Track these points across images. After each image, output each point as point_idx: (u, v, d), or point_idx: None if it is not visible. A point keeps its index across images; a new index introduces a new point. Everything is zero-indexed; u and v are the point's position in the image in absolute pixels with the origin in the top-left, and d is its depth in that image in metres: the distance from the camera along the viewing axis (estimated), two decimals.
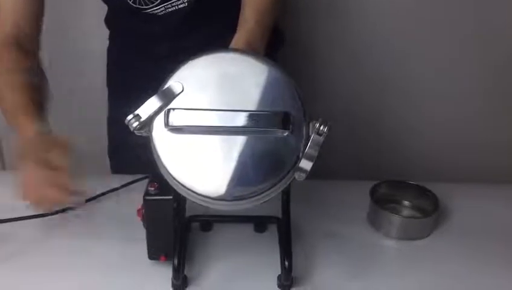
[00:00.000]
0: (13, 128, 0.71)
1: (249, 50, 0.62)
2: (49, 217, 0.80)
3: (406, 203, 0.86)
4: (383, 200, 0.82)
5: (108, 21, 0.97)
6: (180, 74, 0.55)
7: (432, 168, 1.22)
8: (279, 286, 0.69)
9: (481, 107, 1.33)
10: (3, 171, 1.31)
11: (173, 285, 0.68)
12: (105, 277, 0.70)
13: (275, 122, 0.53)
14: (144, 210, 0.67)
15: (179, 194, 0.57)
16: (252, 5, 0.71)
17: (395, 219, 0.79)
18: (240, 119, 0.53)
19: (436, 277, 0.72)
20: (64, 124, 1.33)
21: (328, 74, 1.32)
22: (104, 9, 0.93)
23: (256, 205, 0.56)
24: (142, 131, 0.55)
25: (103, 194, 0.85)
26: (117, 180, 0.86)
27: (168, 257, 0.69)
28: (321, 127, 0.53)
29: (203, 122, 0.53)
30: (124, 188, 0.85)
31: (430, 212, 0.81)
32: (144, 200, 0.66)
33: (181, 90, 0.55)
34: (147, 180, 0.68)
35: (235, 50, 0.61)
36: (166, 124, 0.53)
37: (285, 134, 0.53)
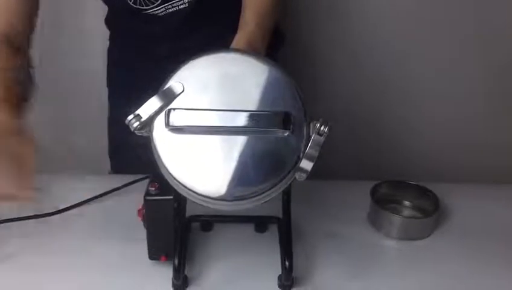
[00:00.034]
0: None
1: (250, 50, 0.62)
2: (50, 217, 0.80)
3: (407, 203, 0.86)
4: (383, 200, 0.82)
5: (109, 21, 0.97)
6: (180, 74, 0.55)
7: (432, 168, 1.22)
8: (279, 286, 0.69)
9: (481, 108, 1.33)
10: None
11: (174, 285, 0.68)
12: (105, 277, 0.70)
13: (275, 123, 0.53)
14: (144, 210, 0.67)
15: (180, 194, 0.57)
16: (253, 7, 0.71)
17: (396, 219, 0.79)
18: (241, 120, 0.53)
19: (437, 277, 0.72)
20: (64, 124, 1.34)
21: (329, 74, 1.32)
22: (104, 9, 0.93)
23: (256, 205, 0.56)
24: (142, 131, 0.55)
25: (103, 194, 0.85)
26: (117, 180, 0.86)
27: (168, 257, 0.69)
28: (322, 128, 0.53)
29: (204, 122, 0.53)
30: (125, 188, 0.85)
31: (431, 212, 0.81)
32: (145, 200, 0.66)
33: (182, 90, 0.55)
34: (147, 181, 0.68)
35: (236, 50, 0.61)
36: (167, 124, 0.53)
37: (286, 134, 0.53)
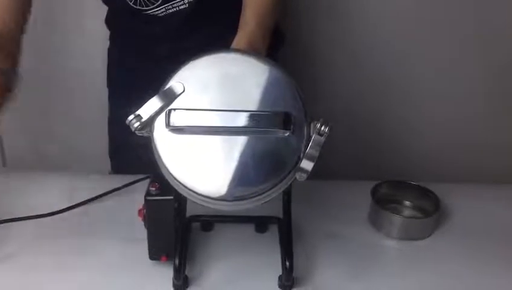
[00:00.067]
0: None
1: (250, 50, 0.62)
2: (50, 217, 0.80)
3: (407, 203, 0.86)
4: (384, 201, 0.82)
5: (109, 22, 0.97)
6: (181, 74, 0.55)
7: (432, 168, 1.22)
8: (280, 287, 0.69)
9: (482, 108, 1.33)
10: (4, 172, 1.31)
11: (174, 285, 0.68)
12: (106, 277, 0.70)
13: (275, 123, 0.53)
14: (145, 210, 0.67)
15: (180, 195, 0.57)
16: (253, 7, 0.71)
17: (396, 219, 0.79)
18: (241, 120, 0.53)
19: (437, 277, 0.72)
20: (64, 124, 1.34)
21: (329, 74, 1.32)
22: (104, 9, 0.93)
23: (257, 205, 0.56)
24: (143, 131, 0.55)
25: (104, 194, 0.85)
26: (118, 181, 0.86)
27: (169, 257, 0.69)
28: (322, 128, 0.54)
29: (204, 122, 0.53)
30: (125, 189, 0.85)
31: (431, 212, 0.81)
32: (145, 200, 0.66)
33: (182, 90, 0.55)
34: (148, 181, 0.68)
35: (236, 50, 0.61)
36: (168, 124, 0.53)
37: (286, 134, 0.53)
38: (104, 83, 1.05)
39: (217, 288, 0.69)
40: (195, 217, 0.79)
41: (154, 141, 0.54)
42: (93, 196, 0.84)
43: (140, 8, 0.83)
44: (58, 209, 0.81)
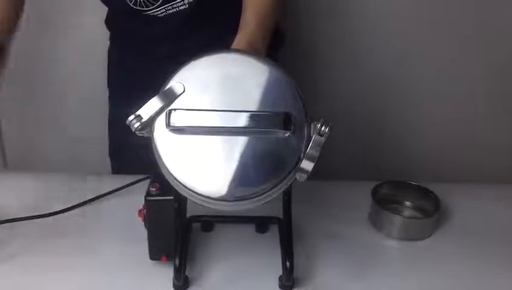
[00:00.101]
0: None
1: (251, 51, 0.62)
2: (50, 217, 0.80)
3: (408, 203, 0.86)
4: (384, 201, 0.82)
5: (109, 22, 0.98)
6: (181, 75, 0.55)
7: (433, 168, 1.22)
8: (280, 287, 0.69)
9: (482, 108, 1.33)
10: (5, 173, 1.31)
11: (174, 285, 0.68)
12: (106, 277, 0.70)
13: (276, 123, 0.53)
14: (145, 211, 0.67)
15: (180, 195, 0.57)
16: (253, 8, 0.71)
17: (397, 220, 0.79)
18: (241, 120, 0.53)
19: (438, 277, 0.72)
20: (65, 124, 1.34)
21: (329, 74, 1.32)
22: (104, 9, 0.93)
23: (257, 205, 0.55)
24: (143, 132, 0.55)
25: (104, 194, 0.85)
26: (118, 181, 0.86)
27: (169, 258, 0.69)
28: (322, 128, 0.53)
29: (205, 122, 0.53)
30: (125, 189, 0.85)
31: (432, 212, 0.81)
32: (145, 200, 0.66)
33: (182, 90, 0.55)
34: (148, 181, 0.68)
35: (237, 51, 0.61)
36: (168, 124, 0.53)
37: (287, 135, 0.53)
38: (104, 83, 1.05)
39: (217, 288, 0.69)
40: (196, 218, 0.79)
41: (155, 141, 0.54)
42: (94, 196, 0.85)
43: (140, 8, 0.83)
44: (59, 209, 0.81)
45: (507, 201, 0.89)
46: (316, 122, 0.54)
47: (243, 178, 0.53)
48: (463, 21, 1.24)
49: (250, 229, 0.80)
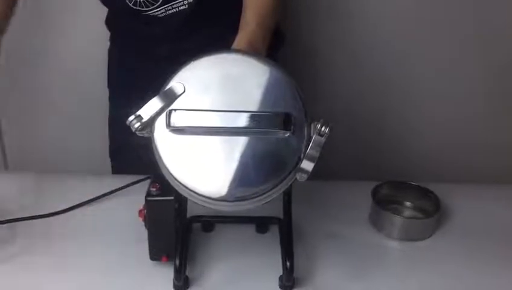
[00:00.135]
0: None
1: (251, 51, 0.62)
2: (50, 217, 0.80)
3: (408, 204, 0.86)
4: (384, 201, 0.82)
5: (109, 22, 0.98)
6: (181, 75, 0.55)
7: (433, 168, 1.22)
8: (280, 287, 0.69)
9: (482, 108, 1.33)
10: (5, 173, 1.31)
11: (175, 286, 0.68)
12: (106, 277, 0.70)
13: (276, 123, 0.53)
14: (145, 211, 0.67)
15: (181, 195, 0.57)
16: (253, 8, 0.71)
17: (397, 220, 0.79)
18: (242, 120, 0.53)
19: (438, 277, 0.72)
20: (65, 124, 1.34)
21: (329, 74, 1.32)
22: (104, 10, 0.93)
23: (257, 205, 0.56)
24: (143, 132, 0.55)
25: (104, 195, 0.85)
26: (118, 181, 0.86)
27: (169, 258, 0.69)
28: (322, 128, 0.54)
29: (205, 123, 0.53)
30: (126, 189, 0.85)
31: (432, 213, 0.81)
32: (146, 201, 0.66)
33: (183, 91, 0.55)
34: (148, 181, 0.68)
35: (237, 51, 0.61)
36: (168, 124, 0.53)
37: (287, 135, 0.53)
38: (105, 83, 1.05)
39: (217, 288, 0.69)
40: (196, 218, 0.79)
41: (155, 141, 0.54)
42: (94, 196, 0.84)
43: (140, 8, 0.83)
44: (59, 209, 0.81)
45: (507, 201, 0.89)
46: (316, 123, 0.54)
47: (243, 178, 0.53)
48: (463, 21, 1.24)
49: (251, 229, 0.80)
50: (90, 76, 1.19)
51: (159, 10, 0.83)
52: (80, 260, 0.73)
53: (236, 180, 0.53)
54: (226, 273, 0.71)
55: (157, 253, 0.69)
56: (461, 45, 1.26)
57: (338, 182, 0.91)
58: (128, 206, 0.75)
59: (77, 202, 0.83)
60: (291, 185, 0.56)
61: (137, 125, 0.54)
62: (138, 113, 0.54)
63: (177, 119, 0.53)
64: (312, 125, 0.54)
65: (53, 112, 1.33)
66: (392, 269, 0.75)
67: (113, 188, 0.85)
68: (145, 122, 0.54)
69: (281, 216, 0.72)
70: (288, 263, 0.66)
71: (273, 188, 0.54)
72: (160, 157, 0.54)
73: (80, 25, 1.21)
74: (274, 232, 0.78)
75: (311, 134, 0.54)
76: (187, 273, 0.69)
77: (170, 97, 0.54)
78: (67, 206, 0.82)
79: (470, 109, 1.32)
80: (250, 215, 0.79)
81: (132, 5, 0.82)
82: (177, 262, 0.66)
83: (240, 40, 0.66)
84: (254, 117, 0.53)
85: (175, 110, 0.53)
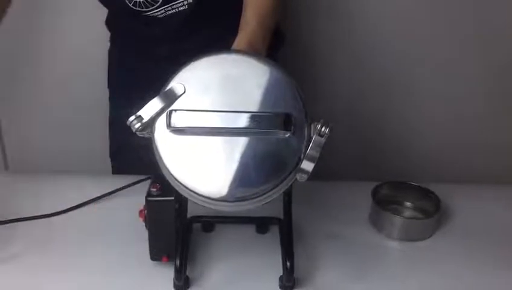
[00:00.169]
0: None
1: (251, 51, 0.62)
2: (50, 217, 0.80)
3: (408, 204, 0.86)
4: (384, 201, 0.82)
5: (109, 23, 0.98)
6: (182, 75, 0.55)
7: (433, 169, 1.22)
8: (281, 287, 0.69)
9: (482, 108, 1.33)
10: (5, 173, 1.31)
11: (175, 286, 0.68)
12: (107, 277, 0.70)
13: (276, 124, 0.53)
14: (146, 211, 0.68)
15: (181, 195, 0.57)
16: (254, 8, 0.71)
17: (397, 220, 0.79)
18: (242, 121, 0.53)
19: (438, 277, 0.72)
20: (65, 125, 1.34)
21: (329, 74, 1.32)
22: (105, 10, 0.93)
23: (258, 206, 0.56)
24: (144, 132, 0.55)
25: (105, 195, 0.85)
26: (119, 181, 0.86)
27: (170, 258, 0.69)
28: (322, 129, 0.54)
29: (205, 123, 0.53)
30: (126, 189, 0.85)
31: (432, 213, 0.81)
32: (146, 201, 0.67)
33: (183, 91, 0.55)
34: (149, 181, 0.68)
35: (237, 51, 0.61)
36: (168, 125, 0.53)
37: (287, 135, 0.53)
38: (105, 83, 1.05)
39: (218, 289, 0.69)
40: (196, 218, 0.79)
41: (155, 142, 0.54)
42: (94, 196, 0.85)
43: (139, 9, 0.83)
44: (59, 210, 0.81)
45: (507, 201, 0.89)
46: (316, 123, 0.54)
47: (243, 179, 0.53)
48: (463, 21, 1.23)
49: (251, 229, 0.80)
50: (90, 76, 1.19)
51: (159, 11, 0.83)
52: (81, 260, 0.73)
53: (237, 181, 0.53)
54: (226, 273, 0.71)
55: (157, 253, 0.69)
56: (461, 44, 1.26)
57: (338, 182, 0.91)
58: (128, 206, 0.75)
59: (77, 203, 0.83)
60: (291, 185, 0.56)
61: (137, 125, 0.54)
62: (139, 113, 0.54)
63: (178, 120, 0.53)
64: (312, 126, 0.54)
65: (53, 112, 1.33)
66: (392, 269, 0.75)
67: (114, 189, 0.85)
68: (145, 122, 0.54)
69: (281, 216, 0.72)
70: (288, 263, 0.66)
71: (273, 188, 0.54)
72: (160, 157, 0.54)
73: (80, 25, 1.21)
74: (274, 232, 0.78)
75: (311, 134, 0.54)
76: (187, 273, 0.69)
77: (170, 98, 0.55)
78: (68, 207, 0.82)
79: (470, 109, 1.32)
80: (250, 216, 0.79)
81: (132, 5, 0.82)
82: (178, 262, 0.66)
83: (240, 40, 0.66)
84: (254, 117, 0.53)
85: (175, 110, 0.53)
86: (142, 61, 0.95)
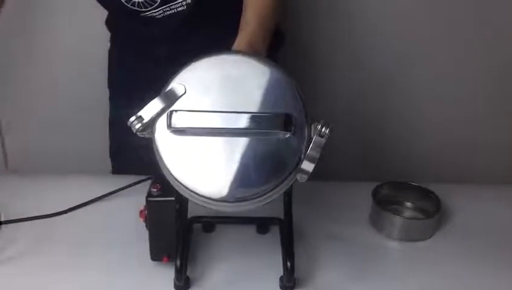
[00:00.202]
0: None
1: (251, 52, 0.62)
2: (51, 218, 0.80)
3: (408, 204, 0.86)
4: (385, 202, 0.82)
5: (109, 23, 0.98)
6: (182, 76, 0.55)
7: (433, 169, 1.22)
8: (281, 287, 0.69)
9: (482, 108, 1.33)
10: (5, 173, 1.31)
11: (176, 286, 0.68)
12: (107, 278, 0.70)
13: (276, 124, 0.53)
14: (146, 211, 0.68)
15: (181, 196, 0.57)
16: (254, 8, 0.71)
17: (397, 220, 0.79)
18: (242, 121, 0.53)
19: (438, 278, 0.72)
20: (65, 125, 1.34)
21: (329, 74, 1.32)
22: (105, 10, 0.93)
23: (258, 206, 0.56)
24: (144, 133, 0.55)
25: (105, 195, 0.85)
26: (119, 181, 0.86)
27: (170, 258, 0.69)
28: (323, 129, 0.54)
29: (206, 124, 0.53)
30: (126, 190, 0.85)
31: (432, 213, 0.81)
32: (147, 201, 0.67)
33: (183, 92, 0.55)
34: (149, 182, 0.69)
35: (237, 52, 0.61)
36: (169, 125, 0.53)
37: (287, 136, 0.53)
38: (105, 83, 1.05)
39: (218, 289, 0.69)
40: (197, 218, 0.79)
41: (156, 142, 0.54)
42: (95, 197, 0.85)
43: (137, 9, 0.83)
44: (60, 210, 0.81)
45: (507, 201, 0.89)
46: (316, 124, 0.54)
47: (243, 179, 0.53)
48: (463, 21, 1.24)
49: (251, 230, 0.80)
50: (90, 76, 1.19)
51: (157, 11, 0.83)
52: (81, 261, 0.73)
53: (237, 181, 0.53)
54: (226, 273, 0.72)
55: (158, 253, 0.69)
56: (461, 44, 1.26)
57: (338, 182, 0.91)
58: (129, 206, 0.75)
59: (78, 203, 0.83)
60: (291, 185, 0.56)
61: (138, 126, 0.54)
62: (139, 114, 0.54)
63: (178, 120, 0.53)
64: (312, 126, 0.54)
65: (53, 112, 1.33)
66: (393, 269, 0.75)
67: (114, 189, 0.85)
68: (146, 123, 0.54)
69: (282, 217, 0.72)
70: (288, 264, 0.66)
71: (273, 188, 0.54)
72: (161, 158, 0.54)
73: (81, 25, 1.21)
74: (274, 232, 0.78)
75: (312, 135, 0.54)
76: (188, 273, 0.69)
77: (171, 98, 0.55)
78: (68, 207, 0.82)
79: (470, 109, 1.32)
80: (250, 216, 0.79)
81: (130, 5, 0.82)
82: (178, 262, 0.66)
83: (240, 40, 0.66)
84: (254, 118, 0.53)
85: (176, 111, 0.53)
86: (142, 61, 0.95)
